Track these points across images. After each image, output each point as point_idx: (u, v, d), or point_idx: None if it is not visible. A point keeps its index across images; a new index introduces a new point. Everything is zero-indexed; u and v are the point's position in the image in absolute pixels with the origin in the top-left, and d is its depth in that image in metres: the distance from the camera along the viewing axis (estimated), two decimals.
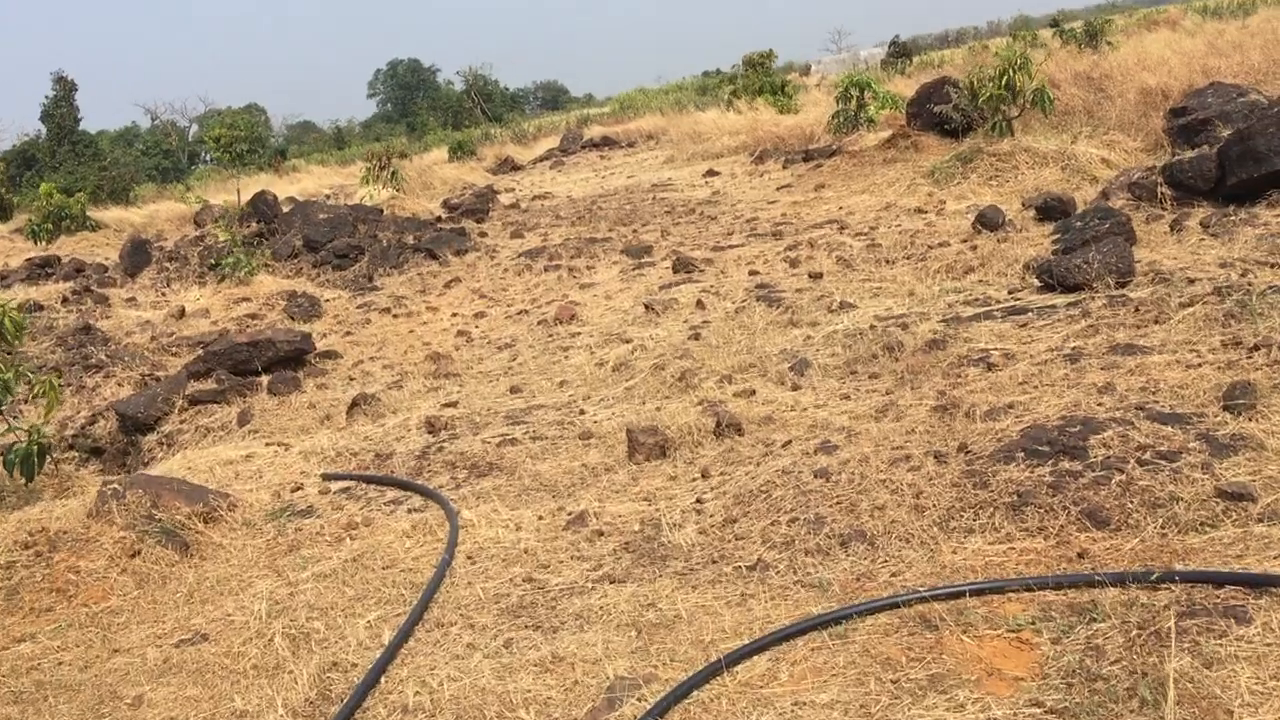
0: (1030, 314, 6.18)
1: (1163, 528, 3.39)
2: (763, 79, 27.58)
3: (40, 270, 15.33)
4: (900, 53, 39.74)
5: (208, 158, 48.99)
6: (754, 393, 5.63)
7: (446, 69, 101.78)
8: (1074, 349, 5.17)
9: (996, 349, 5.52)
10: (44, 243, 23.50)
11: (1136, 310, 5.63)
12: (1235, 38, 19.66)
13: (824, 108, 22.48)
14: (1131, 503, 3.52)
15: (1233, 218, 7.24)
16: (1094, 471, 3.71)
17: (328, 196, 31.99)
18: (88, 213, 25.95)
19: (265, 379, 7.76)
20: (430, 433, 6.02)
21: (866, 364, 5.78)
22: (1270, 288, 5.37)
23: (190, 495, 4.89)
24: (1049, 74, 12.23)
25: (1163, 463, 3.68)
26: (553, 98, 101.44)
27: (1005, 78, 11.17)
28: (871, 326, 6.50)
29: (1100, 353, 5.01)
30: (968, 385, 4.97)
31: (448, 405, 6.57)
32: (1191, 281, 6.01)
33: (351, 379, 7.80)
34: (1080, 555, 3.34)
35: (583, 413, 5.92)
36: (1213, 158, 7.97)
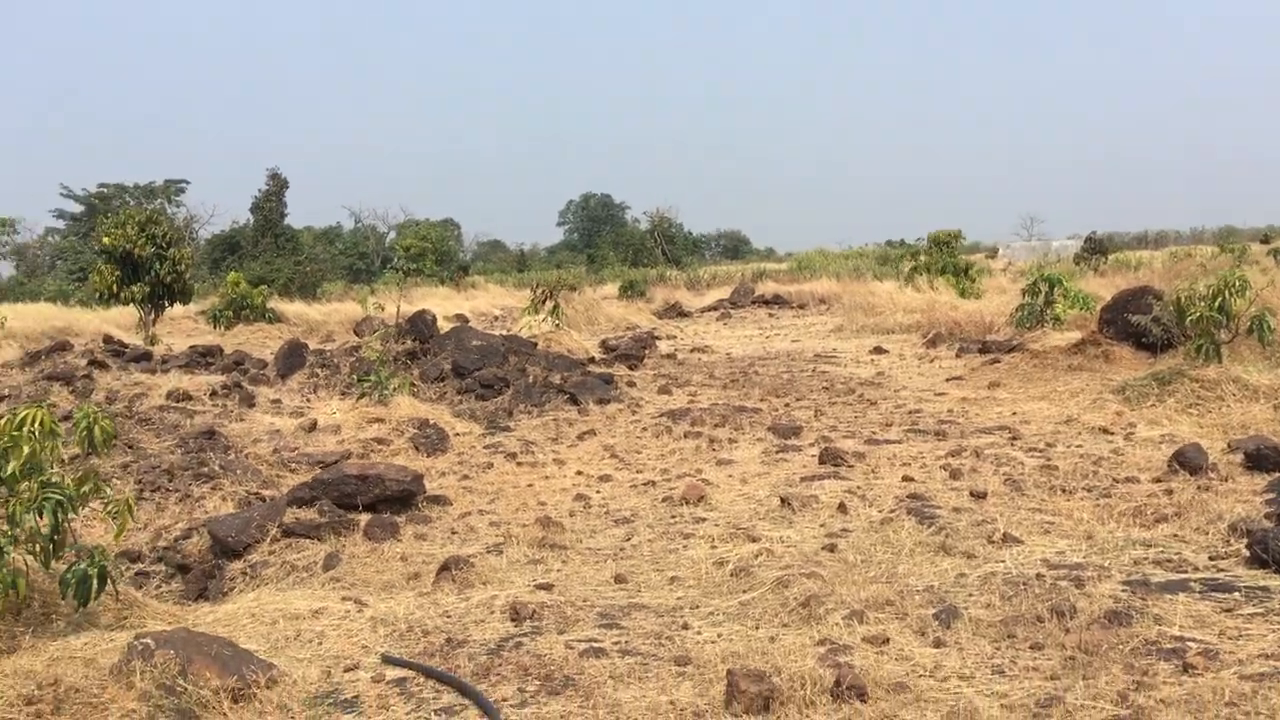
0: (1237, 594, 5.13)
1: None
2: (947, 259, 26.79)
3: (202, 359, 15.66)
4: (1095, 249, 38.33)
5: (396, 264, 51.22)
6: (887, 641, 4.75)
7: (636, 207, 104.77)
8: None
9: (1195, 640, 4.50)
10: (222, 328, 24.49)
11: None
12: None
13: (1008, 297, 21.54)
14: None
15: None
16: None
17: (497, 317, 32.60)
18: (269, 305, 27.03)
19: (365, 518, 7.29)
20: (513, 620, 5.34)
21: (1029, 627, 4.83)
22: None
23: (227, 664, 4.33)
24: (1266, 300, 11.05)
25: None
26: (734, 247, 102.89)
27: (1219, 299, 10.08)
28: (1039, 575, 5.55)
29: None
30: (1158, 691, 3.98)
31: (542, 586, 5.90)
32: None
33: (454, 533, 7.24)
34: None
35: (686, 626, 5.15)
36: None
